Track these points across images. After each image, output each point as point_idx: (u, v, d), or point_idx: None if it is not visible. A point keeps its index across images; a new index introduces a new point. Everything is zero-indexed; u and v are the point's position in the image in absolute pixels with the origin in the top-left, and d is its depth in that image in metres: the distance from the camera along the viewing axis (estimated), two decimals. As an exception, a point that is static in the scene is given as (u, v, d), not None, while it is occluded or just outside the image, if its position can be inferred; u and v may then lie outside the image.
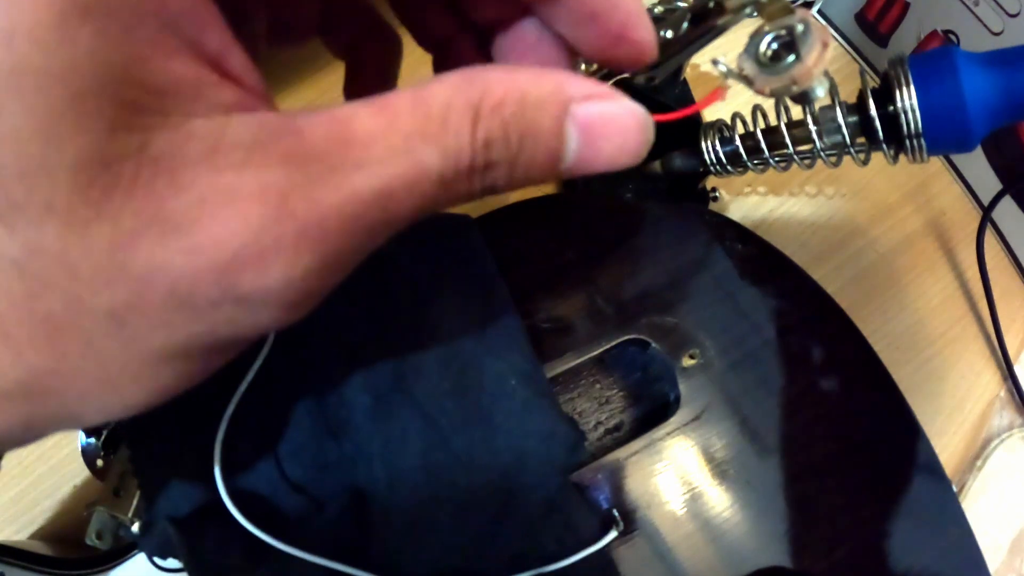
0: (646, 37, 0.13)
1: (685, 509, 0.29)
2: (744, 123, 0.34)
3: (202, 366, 0.13)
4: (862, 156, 0.30)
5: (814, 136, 0.30)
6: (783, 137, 0.31)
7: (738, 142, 0.34)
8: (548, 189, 0.41)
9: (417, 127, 0.12)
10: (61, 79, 0.09)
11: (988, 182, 0.42)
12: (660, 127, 0.15)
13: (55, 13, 0.09)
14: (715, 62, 0.15)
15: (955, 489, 0.37)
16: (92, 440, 0.28)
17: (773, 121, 0.32)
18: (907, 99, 0.26)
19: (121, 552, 0.29)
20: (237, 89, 0.11)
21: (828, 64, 0.14)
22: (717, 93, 0.16)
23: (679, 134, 0.37)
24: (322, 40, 0.18)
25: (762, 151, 0.33)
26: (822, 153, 0.31)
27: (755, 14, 0.14)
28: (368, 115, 0.12)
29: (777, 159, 0.33)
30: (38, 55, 0.09)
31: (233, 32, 0.12)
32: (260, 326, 0.12)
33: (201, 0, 0.11)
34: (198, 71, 0.11)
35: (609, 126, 0.13)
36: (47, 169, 0.09)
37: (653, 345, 0.32)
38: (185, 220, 0.10)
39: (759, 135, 0.33)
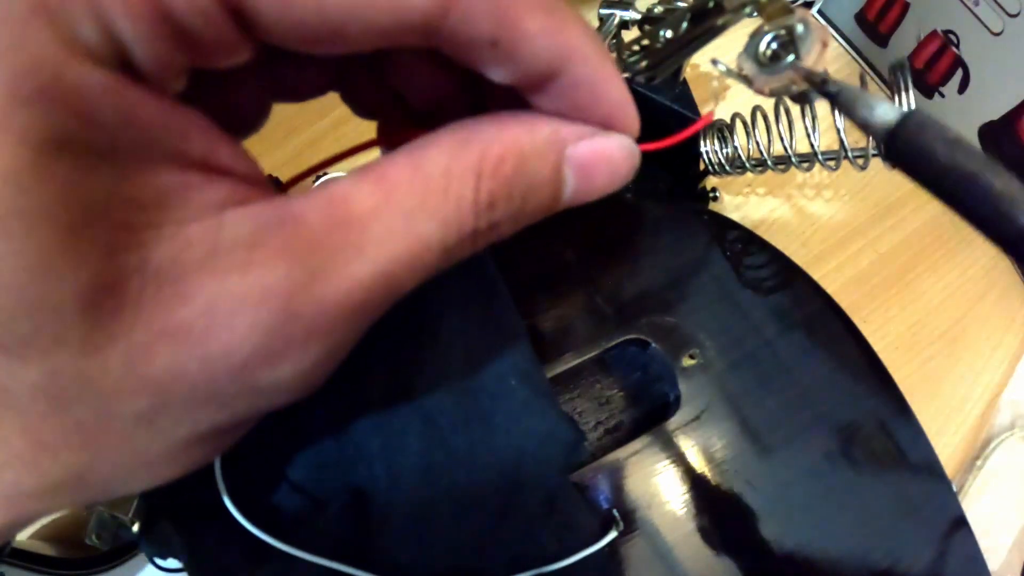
0: (629, 126, 0.13)
1: (685, 509, 0.29)
2: (744, 124, 0.34)
3: (230, 438, 0.14)
4: (860, 161, 0.30)
5: (812, 142, 0.30)
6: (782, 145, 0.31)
7: (737, 145, 0.34)
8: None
9: (417, 200, 0.11)
10: (47, 217, 0.09)
11: None
12: (660, 127, 0.15)
13: (28, 153, 0.09)
14: (715, 62, 0.15)
15: (955, 489, 0.37)
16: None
17: (772, 122, 0.32)
18: (906, 104, 0.26)
19: (121, 552, 0.29)
20: (227, 182, 0.11)
21: (827, 64, 0.14)
22: (708, 118, 0.16)
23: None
24: (345, 102, 0.17)
25: (761, 155, 0.33)
26: (820, 158, 0.31)
27: (755, 14, 0.14)
28: (365, 192, 0.11)
29: (775, 162, 0.34)
30: (18, 197, 0.09)
31: (222, 128, 0.11)
32: (280, 403, 0.13)
33: (178, 110, 0.10)
34: (183, 177, 0.10)
35: (601, 161, 0.13)
36: (50, 306, 0.09)
37: (653, 345, 0.32)
38: (195, 329, 0.10)
39: (757, 141, 0.33)
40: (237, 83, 0.14)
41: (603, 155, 0.13)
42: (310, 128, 0.41)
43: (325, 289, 0.11)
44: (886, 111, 0.11)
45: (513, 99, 0.13)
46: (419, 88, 0.15)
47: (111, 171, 0.10)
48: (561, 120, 0.13)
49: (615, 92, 0.12)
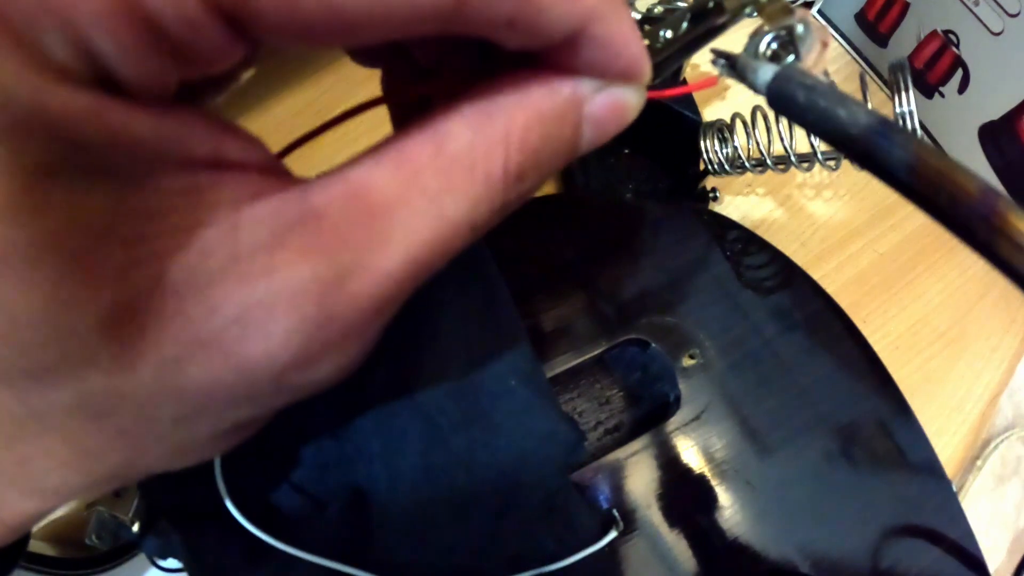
0: (642, 76, 0.13)
1: (685, 509, 0.29)
2: (744, 124, 0.34)
3: (264, 422, 0.14)
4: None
5: (812, 142, 0.30)
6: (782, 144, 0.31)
7: (737, 145, 0.34)
8: (548, 189, 0.41)
9: (442, 181, 0.11)
10: (49, 248, 0.08)
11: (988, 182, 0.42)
12: (660, 128, 0.15)
13: (16, 186, 0.08)
14: (715, 62, 0.15)
15: (955, 489, 0.37)
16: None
17: (773, 122, 0.32)
18: (906, 104, 0.26)
19: (121, 552, 0.29)
20: (238, 177, 0.10)
21: (828, 64, 0.14)
22: (711, 80, 0.16)
23: (680, 134, 0.37)
24: (345, 51, 0.17)
25: (761, 155, 0.33)
26: (820, 158, 0.31)
27: (755, 14, 0.14)
28: (386, 177, 0.11)
29: (775, 162, 0.34)
30: (14, 232, 0.08)
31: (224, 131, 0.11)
32: (314, 393, 0.13)
33: (173, 113, 0.10)
34: (190, 180, 0.10)
35: (615, 112, 0.13)
36: (71, 335, 0.09)
37: (653, 345, 0.32)
38: (227, 340, 0.10)
39: (757, 141, 0.33)
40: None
41: (616, 107, 0.13)
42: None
43: (356, 287, 0.11)
44: (765, 71, 0.13)
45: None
46: (425, 42, 0.15)
47: (110, 188, 0.09)
48: (576, 76, 0.12)
49: (631, 47, 0.12)
